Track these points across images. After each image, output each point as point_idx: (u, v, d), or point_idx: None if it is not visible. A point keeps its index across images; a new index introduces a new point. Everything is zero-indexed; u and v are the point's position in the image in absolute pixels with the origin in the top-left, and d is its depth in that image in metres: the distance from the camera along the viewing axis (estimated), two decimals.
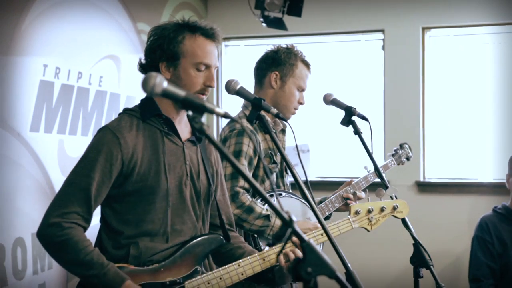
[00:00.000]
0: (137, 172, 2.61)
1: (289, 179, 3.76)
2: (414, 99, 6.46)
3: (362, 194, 3.76)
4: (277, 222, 3.41)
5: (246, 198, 3.35)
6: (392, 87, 6.54)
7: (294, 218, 1.89)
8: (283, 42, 6.46)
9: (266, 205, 3.46)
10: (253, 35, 6.80)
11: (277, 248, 2.78)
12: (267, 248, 3.01)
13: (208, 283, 2.67)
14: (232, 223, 2.97)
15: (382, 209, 3.23)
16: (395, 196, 3.37)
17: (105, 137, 2.61)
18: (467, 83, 6.47)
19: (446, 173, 6.50)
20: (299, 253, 2.74)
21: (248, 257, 2.75)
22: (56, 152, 4.56)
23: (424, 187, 6.44)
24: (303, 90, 3.69)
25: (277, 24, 5.73)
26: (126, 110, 2.75)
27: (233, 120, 2.00)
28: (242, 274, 2.72)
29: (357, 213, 3.17)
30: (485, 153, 6.39)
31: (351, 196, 3.74)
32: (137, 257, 2.63)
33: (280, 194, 3.45)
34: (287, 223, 1.88)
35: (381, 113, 6.58)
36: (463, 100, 6.49)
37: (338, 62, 6.83)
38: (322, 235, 2.99)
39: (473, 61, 6.44)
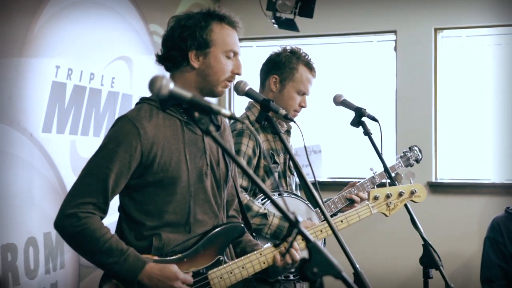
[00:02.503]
0: (158, 163, 2.59)
1: (295, 180, 3.77)
2: (426, 100, 6.45)
3: (365, 196, 3.76)
4: (274, 221, 3.42)
5: (244, 197, 3.36)
6: (404, 88, 6.53)
7: (300, 219, 1.90)
8: (295, 43, 6.53)
9: (266, 204, 3.48)
10: (265, 36, 6.82)
11: (293, 238, 2.76)
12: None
13: (231, 273, 2.67)
14: (239, 212, 2.97)
15: (400, 194, 3.23)
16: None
17: (125, 128, 2.59)
18: (480, 84, 6.45)
19: (458, 174, 6.49)
20: (295, 255, 2.74)
21: (269, 246, 2.75)
22: (68, 153, 4.60)
23: (436, 188, 6.43)
24: (304, 93, 3.68)
25: (288, 25, 5.74)
26: (144, 99, 2.72)
27: (236, 121, 2.02)
28: (264, 263, 2.71)
29: (375, 198, 3.17)
30: (498, 154, 6.37)
31: (354, 197, 3.74)
32: (160, 248, 2.62)
33: (281, 194, 3.46)
34: (293, 223, 1.89)
35: (393, 114, 6.57)
36: (475, 101, 6.47)
37: (350, 63, 6.83)
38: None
39: (486, 62, 6.42)
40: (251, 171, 2.00)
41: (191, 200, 2.67)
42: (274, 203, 1.92)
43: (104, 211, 2.59)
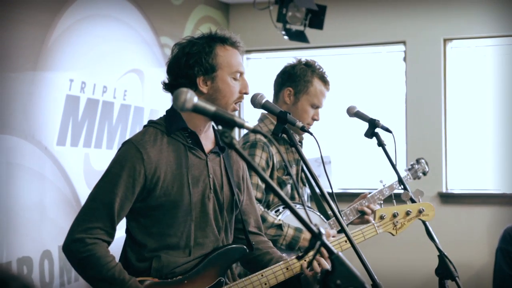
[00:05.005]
0: (161, 187, 2.63)
1: (306, 191, 3.77)
2: (436, 110, 6.46)
3: (376, 207, 3.74)
4: (289, 232, 3.42)
5: (259, 208, 3.36)
6: (414, 99, 6.54)
7: (322, 231, 1.91)
8: (305, 54, 6.54)
9: (281, 216, 3.48)
10: (274, 47, 6.85)
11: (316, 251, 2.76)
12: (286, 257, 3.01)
13: None
14: (260, 227, 2.97)
15: (407, 213, 3.18)
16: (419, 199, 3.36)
17: (129, 152, 2.62)
18: (489, 94, 6.46)
19: (469, 184, 6.49)
20: (324, 263, 2.76)
21: (272, 267, 2.76)
22: (82, 165, 4.62)
23: (447, 198, 6.43)
24: (318, 107, 3.68)
25: (298, 36, 5.76)
26: (151, 123, 2.76)
27: (256, 133, 2.03)
28: (265, 284, 2.73)
29: (381, 218, 3.13)
30: (508, 164, 6.37)
31: (365, 209, 3.73)
32: (159, 270, 2.65)
33: (295, 206, 3.45)
34: (316, 235, 1.90)
35: (403, 124, 6.58)
36: (485, 111, 6.47)
37: (360, 74, 6.85)
38: (346, 242, 2.97)
39: (495, 72, 6.43)
40: (272, 182, 2.01)
41: (192, 224, 2.69)
42: (296, 215, 1.93)
43: (111, 235, 2.63)
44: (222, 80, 2.71)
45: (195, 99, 1.91)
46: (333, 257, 1.89)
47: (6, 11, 4.06)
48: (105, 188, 2.61)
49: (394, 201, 3.31)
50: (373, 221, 3.14)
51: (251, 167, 1.89)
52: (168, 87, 2.78)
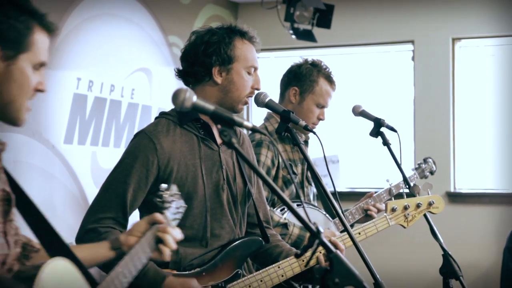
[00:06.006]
0: (174, 178, 2.62)
1: (312, 190, 3.78)
2: (444, 109, 6.45)
3: (382, 206, 3.75)
4: (295, 231, 3.42)
5: None
6: (422, 98, 6.54)
7: (321, 229, 1.91)
8: (313, 53, 6.54)
9: (286, 214, 3.48)
10: (283, 46, 6.85)
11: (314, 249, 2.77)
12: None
13: (249, 286, 2.68)
14: (268, 220, 2.97)
15: (418, 205, 3.23)
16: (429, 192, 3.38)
17: (142, 142, 2.62)
18: (498, 94, 6.44)
19: (477, 184, 6.47)
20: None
21: (288, 259, 2.76)
22: (89, 164, 4.64)
23: (455, 198, 6.41)
24: (323, 107, 3.68)
25: (306, 36, 5.76)
26: (163, 114, 2.75)
27: (255, 131, 2.04)
28: (282, 276, 2.73)
29: (393, 210, 3.17)
30: None
31: (371, 208, 3.74)
32: (177, 262, 2.63)
33: (299, 205, 3.47)
34: (315, 234, 1.90)
35: (411, 123, 6.57)
36: (493, 111, 6.46)
37: (368, 73, 6.84)
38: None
39: (504, 72, 6.41)
40: (272, 182, 2.02)
41: (208, 215, 2.69)
42: (295, 214, 1.94)
43: (123, 225, 2.61)
44: (237, 72, 2.72)
45: (194, 98, 1.92)
46: (332, 256, 1.89)
47: None
48: (118, 179, 2.60)
49: (405, 196, 3.34)
50: (385, 213, 3.17)
51: (250, 166, 1.90)
52: (182, 74, 2.79)
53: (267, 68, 6.79)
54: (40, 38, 1.83)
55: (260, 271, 2.73)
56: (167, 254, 2.12)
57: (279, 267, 2.74)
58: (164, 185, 2.18)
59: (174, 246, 2.15)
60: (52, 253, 1.89)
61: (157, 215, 2.16)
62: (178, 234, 2.17)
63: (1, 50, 1.76)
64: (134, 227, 2.20)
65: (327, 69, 3.71)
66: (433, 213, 3.31)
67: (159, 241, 2.11)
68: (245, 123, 1.94)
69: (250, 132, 3.63)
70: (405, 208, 3.20)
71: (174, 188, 2.21)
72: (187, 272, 2.63)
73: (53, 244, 1.92)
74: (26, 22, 1.78)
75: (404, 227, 3.24)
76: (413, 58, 6.60)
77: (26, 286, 1.63)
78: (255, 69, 2.78)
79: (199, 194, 2.67)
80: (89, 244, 2.28)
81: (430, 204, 3.28)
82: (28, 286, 1.62)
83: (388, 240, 6.38)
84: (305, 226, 1.91)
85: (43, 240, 1.94)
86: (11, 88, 1.79)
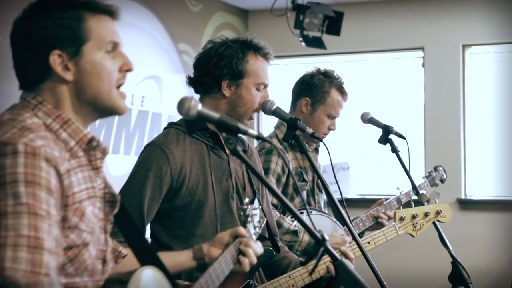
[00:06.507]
0: (186, 186, 2.63)
1: (323, 197, 3.78)
2: (454, 116, 6.44)
3: (392, 214, 3.75)
4: (305, 238, 3.42)
5: (275, 214, 3.38)
6: (433, 105, 6.53)
7: (326, 237, 1.91)
8: (322, 61, 6.55)
9: (295, 221, 3.48)
10: (292, 54, 6.86)
11: (325, 259, 2.78)
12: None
13: None
14: (276, 233, 2.98)
15: (426, 214, 3.23)
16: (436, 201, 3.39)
17: (153, 153, 2.63)
18: (508, 100, 6.42)
19: (488, 191, 6.45)
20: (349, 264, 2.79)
21: (298, 269, 2.77)
22: None
23: (466, 205, 6.40)
24: (334, 117, 3.68)
25: (316, 43, 5.77)
26: (172, 124, 2.77)
27: (260, 139, 2.05)
28: (293, 286, 2.73)
29: (402, 219, 3.18)
30: None
31: (382, 215, 3.74)
32: (189, 273, 2.64)
33: (309, 213, 3.47)
34: (320, 241, 1.91)
35: (422, 130, 6.56)
36: (504, 117, 6.44)
37: (378, 80, 6.84)
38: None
39: None
40: (278, 190, 2.03)
41: (218, 223, 2.70)
42: (301, 222, 1.94)
43: None
44: (246, 88, 2.73)
45: (199, 107, 1.93)
46: (337, 263, 1.89)
47: None
48: (133, 190, 2.60)
49: (413, 203, 3.35)
50: (393, 223, 3.18)
51: (254, 174, 1.91)
52: (192, 82, 2.80)
53: (277, 75, 6.80)
54: (96, 23, 1.82)
55: (272, 281, 2.73)
56: (247, 266, 2.21)
57: (290, 277, 2.74)
58: (247, 200, 2.23)
59: (255, 260, 2.23)
60: (142, 260, 1.94)
61: (240, 229, 2.25)
62: (259, 248, 2.22)
63: (63, 52, 1.76)
64: (217, 239, 2.28)
65: (340, 80, 3.71)
66: (441, 221, 3.31)
67: (240, 253, 2.20)
68: (250, 131, 1.94)
69: (260, 140, 3.64)
70: (414, 217, 3.21)
71: (256, 203, 2.26)
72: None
73: (143, 252, 1.97)
74: (73, 16, 1.78)
75: (413, 236, 3.25)
76: (423, 65, 6.60)
77: None
78: (265, 86, 2.78)
79: (210, 203, 2.68)
80: (171, 252, 2.36)
81: (438, 213, 3.28)
82: None
83: (397, 248, 6.37)
84: (310, 233, 1.91)
85: (134, 247, 1.99)
86: (90, 81, 1.80)
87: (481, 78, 6.49)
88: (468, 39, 6.45)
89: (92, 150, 1.82)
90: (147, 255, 1.97)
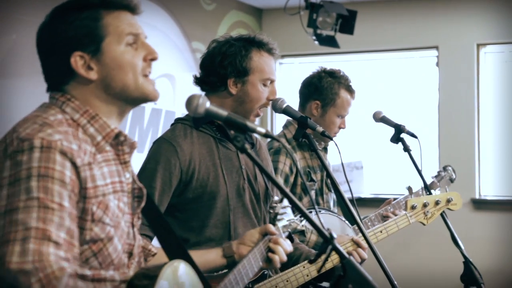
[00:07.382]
0: (196, 179, 2.65)
1: (332, 196, 3.78)
2: (469, 116, 6.41)
3: (401, 213, 3.75)
4: (312, 238, 3.43)
5: None
6: (447, 104, 6.50)
7: (334, 235, 1.92)
8: (336, 59, 6.55)
9: (304, 221, 3.49)
10: (306, 52, 6.86)
11: (327, 255, 2.79)
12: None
13: (276, 286, 2.67)
14: None
15: (437, 202, 3.27)
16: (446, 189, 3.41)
17: (162, 147, 2.66)
18: None
19: (502, 191, 6.42)
20: (363, 254, 2.82)
21: (307, 266, 2.77)
22: None
23: (480, 205, 6.37)
24: (344, 116, 3.70)
25: (329, 42, 5.76)
26: (178, 120, 2.79)
27: (273, 139, 2.05)
28: (307, 276, 2.72)
29: (413, 208, 3.22)
30: None
31: (390, 214, 3.73)
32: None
33: (319, 211, 3.47)
34: (328, 240, 1.91)
35: (436, 130, 6.54)
36: None
37: (392, 79, 6.82)
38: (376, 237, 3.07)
39: None
40: (287, 189, 2.03)
41: (231, 214, 2.71)
42: (309, 220, 1.94)
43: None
44: (252, 84, 2.75)
45: (207, 104, 1.94)
46: (345, 262, 1.89)
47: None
48: (143, 184, 2.63)
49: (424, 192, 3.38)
50: (405, 212, 3.22)
51: (263, 172, 1.91)
52: (199, 81, 2.82)
53: (291, 73, 6.80)
54: (113, 19, 1.84)
55: (286, 271, 2.72)
56: (277, 263, 2.25)
57: (304, 267, 2.74)
58: (276, 198, 2.25)
59: (285, 258, 2.26)
60: (171, 256, 1.97)
61: (270, 227, 2.28)
62: (289, 246, 2.23)
63: (83, 53, 1.79)
64: (246, 237, 2.31)
65: (347, 79, 3.72)
66: (451, 209, 3.35)
67: (269, 251, 2.22)
68: (258, 129, 1.94)
69: (268, 140, 3.64)
70: (425, 205, 3.25)
71: (285, 202, 2.27)
72: (214, 274, 2.64)
73: (173, 247, 2.01)
74: (90, 16, 1.81)
75: (424, 224, 3.28)
76: (437, 64, 6.58)
77: (146, 283, 1.68)
78: (272, 81, 2.79)
79: (222, 193, 2.69)
80: (199, 250, 2.39)
81: (448, 201, 3.32)
82: (149, 285, 1.67)
83: (408, 247, 6.35)
84: (318, 231, 1.92)
85: (164, 242, 2.02)
86: (114, 76, 1.83)
87: (495, 77, 6.46)
88: (483, 38, 6.42)
89: (120, 144, 1.88)
90: (177, 251, 1.99)
